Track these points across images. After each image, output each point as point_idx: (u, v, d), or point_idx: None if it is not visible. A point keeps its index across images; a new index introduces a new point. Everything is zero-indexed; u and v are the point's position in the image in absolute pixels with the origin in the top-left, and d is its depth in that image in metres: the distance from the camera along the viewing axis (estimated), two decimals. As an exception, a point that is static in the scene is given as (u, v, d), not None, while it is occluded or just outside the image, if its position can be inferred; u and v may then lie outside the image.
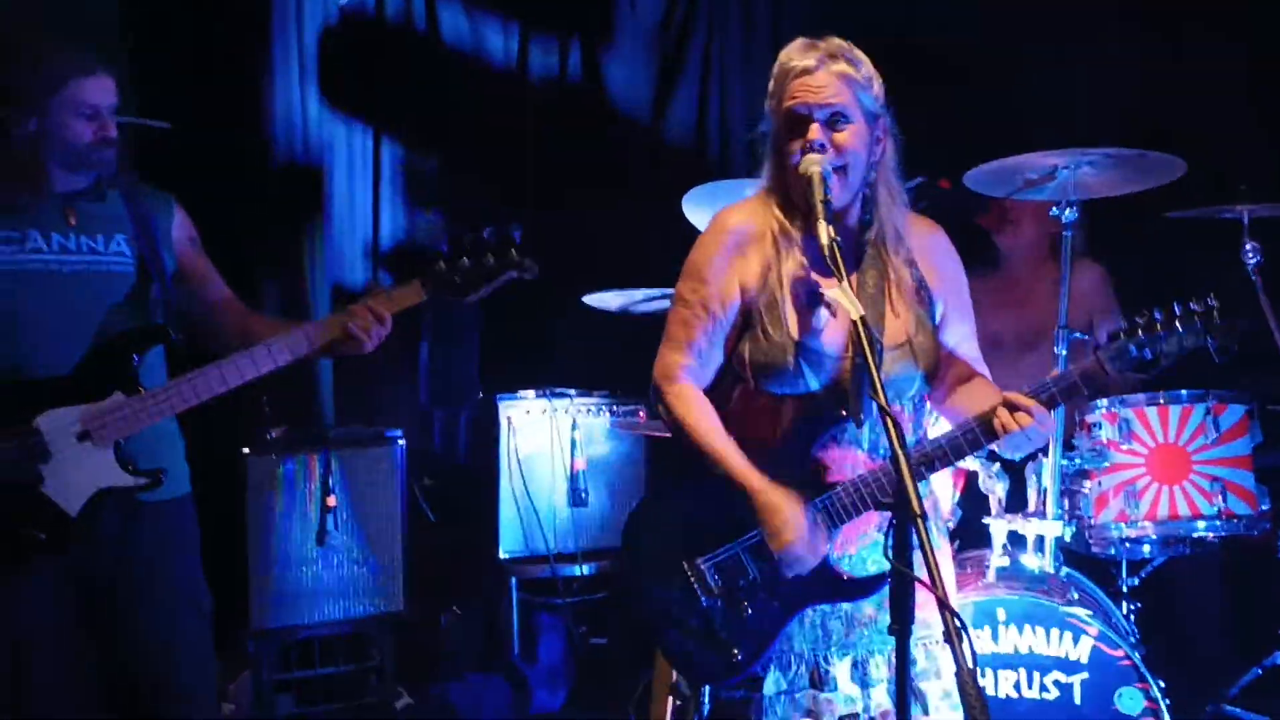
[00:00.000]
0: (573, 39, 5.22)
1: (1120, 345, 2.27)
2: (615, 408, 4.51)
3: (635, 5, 5.26)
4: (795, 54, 2.35)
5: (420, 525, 4.44)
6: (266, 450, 3.99)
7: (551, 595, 4.48)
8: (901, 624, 1.91)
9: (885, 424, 1.94)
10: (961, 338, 2.47)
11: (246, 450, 3.96)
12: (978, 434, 2.30)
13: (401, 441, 4.18)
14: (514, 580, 4.44)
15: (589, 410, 4.48)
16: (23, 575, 2.61)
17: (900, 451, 1.92)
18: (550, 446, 4.43)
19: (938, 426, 2.96)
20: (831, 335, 2.35)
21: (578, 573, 4.44)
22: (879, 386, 1.99)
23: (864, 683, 2.40)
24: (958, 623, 1.78)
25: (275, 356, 2.67)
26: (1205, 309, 2.21)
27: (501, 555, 4.41)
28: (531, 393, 4.48)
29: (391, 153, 5.11)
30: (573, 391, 4.51)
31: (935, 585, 1.81)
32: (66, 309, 2.67)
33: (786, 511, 2.28)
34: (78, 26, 4.03)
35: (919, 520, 1.86)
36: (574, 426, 4.44)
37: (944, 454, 2.32)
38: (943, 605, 1.79)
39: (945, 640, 1.78)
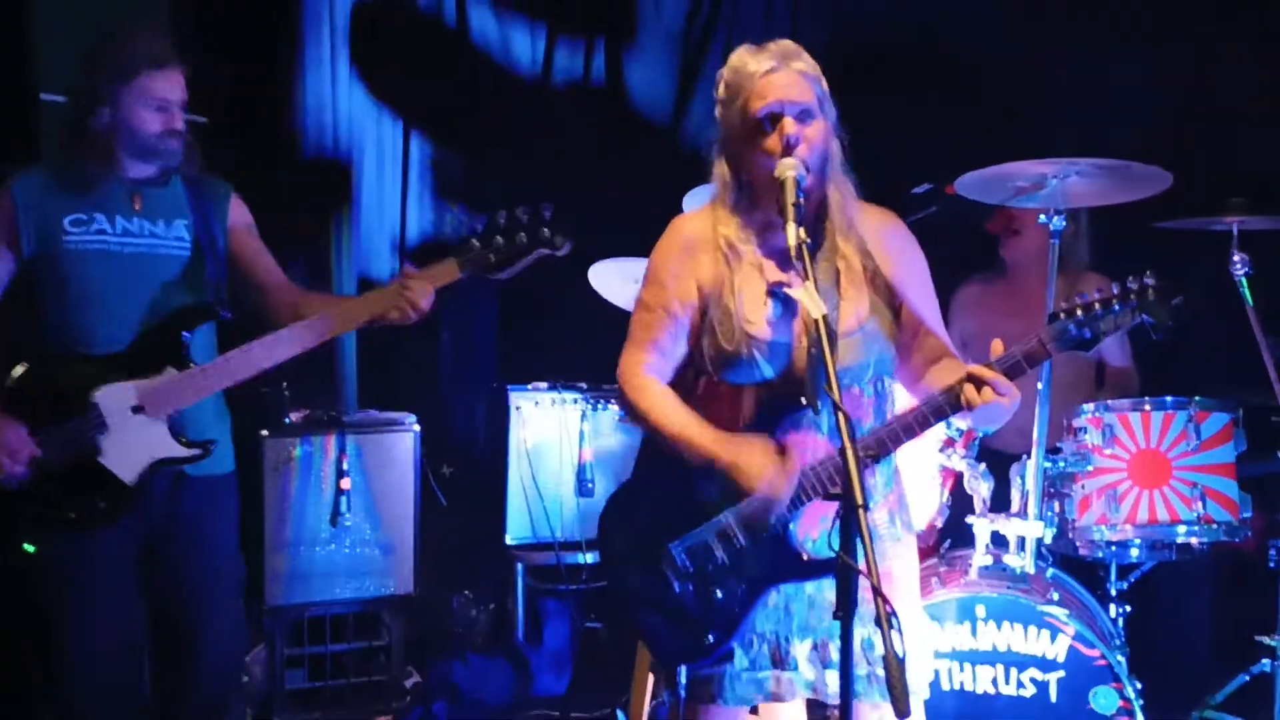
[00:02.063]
0: (597, 41, 5.33)
1: (1060, 325, 2.32)
2: (624, 401, 4.59)
3: (660, 7, 5.36)
4: (749, 58, 2.43)
5: (432, 509, 4.57)
6: (284, 432, 4.13)
7: (557, 582, 4.58)
8: (845, 611, 2.01)
9: (838, 420, 2.04)
10: (925, 320, 2.52)
11: (265, 432, 4.11)
12: (944, 406, 2.34)
13: (416, 427, 4.30)
14: (520, 566, 4.55)
15: (598, 402, 4.57)
16: (84, 540, 2.78)
17: (849, 445, 2.01)
18: (559, 437, 4.54)
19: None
20: (784, 327, 2.44)
21: (582, 561, 4.54)
22: (835, 385, 2.07)
23: (824, 664, 2.48)
24: (888, 610, 1.86)
25: (320, 331, 2.79)
26: (1141, 286, 2.26)
27: (509, 541, 4.52)
28: (543, 384, 4.59)
29: (420, 148, 5.24)
30: (583, 384, 4.62)
31: (871, 573, 1.90)
32: (125, 288, 2.82)
33: (751, 456, 2.35)
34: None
35: (860, 511, 1.95)
36: (583, 418, 4.54)
37: (910, 427, 2.37)
38: (875, 592, 1.88)
39: (876, 625, 1.86)
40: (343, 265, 5.06)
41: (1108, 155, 3.21)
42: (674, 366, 2.55)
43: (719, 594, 2.46)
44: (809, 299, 2.21)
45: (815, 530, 2.49)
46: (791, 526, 2.45)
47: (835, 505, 2.42)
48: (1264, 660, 3.64)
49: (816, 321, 2.16)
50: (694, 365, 2.55)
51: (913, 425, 2.36)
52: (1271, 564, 3.64)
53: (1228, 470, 3.37)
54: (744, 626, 2.47)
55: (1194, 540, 3.40)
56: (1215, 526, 3.35)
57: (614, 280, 4.04)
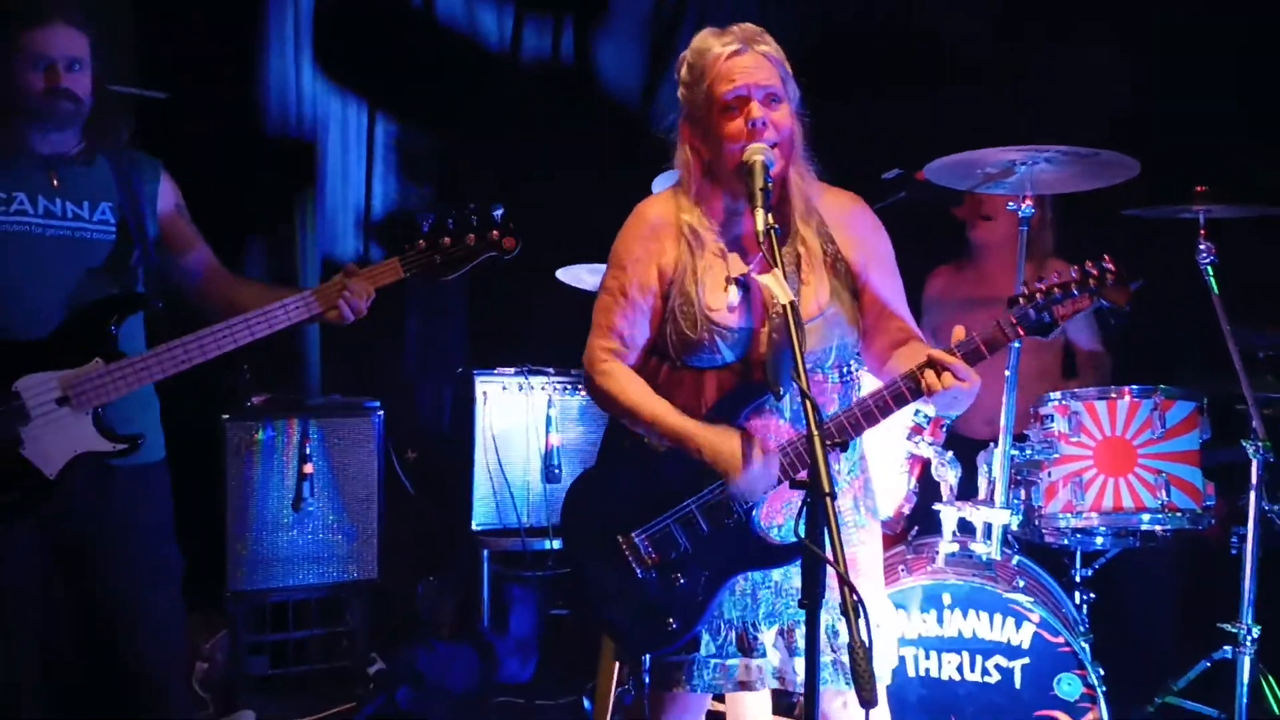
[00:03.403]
0: (565, 20, 5.28)
1: (1019, 310, 2.32)
2: (590, 386, 4.57)
3: (629, -14, 5.32)
4: (713, 40, 2.41)
5: (397, 495, 4.53)
6: (246, 416, 4.07)
7: (523, 569, 4.56)
8: (811, 599, 1.99)
9: (805, 406, 2.02)
10: (888, 303, 2.51)
11: (226, 416, 4.05)
12: (904, 391, 2.32)
13: (380, 412, 4.27)
14: (486, 552, 4.52)
15: (565, 388, 4.54)
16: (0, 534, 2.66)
17: (816, 433, 1.99)
18: (525, 423, 4.50)
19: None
20: (746, 314, 2.43)
21: (548, 547, 4.51)
22: (802, 372, 2.06)
23: (790, 651, 2.48)
24: (855, 598, 1.85)
25: (253, 329, 2.70)
26: (1099, 271, 2.26)
27: (474, 527, 4.48)
28: (510, 369, 4.55)
29: (385, 128, 5.18)
30: (550, 369, 4.58)
31: (837, 560, 1.88)
32: (47, 273, 2.68)
33: (730, 444, 2.34)
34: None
35: (826, 499, 1.93)
36: (549, 404, 4.51)
37: (870, 412, 2.35)
38: (842, 581, 1.86)
39: (843, 613, 1.85)
40: (307, 246, 4.99)
41: (1076, 143, 3.20)
42: (638, 351, 2.53)
43: (682, 581, 2.45)
44: (776, 285, 2.19)
45: (780, 516, 2.48)
46: (755, 513, 2.43)
47: (798, 493, 2.43)
48: (1225, 647, 3.66)
49: (784, 307, 2.14)
50: (657, 351, 2.53)
51: (873, 410, 2.35)
52: (1234, 551, 3.64)
53: (1192, 458, 3.38)
54: (709, 613, 2.46)
55: (1158, 528, 3.41)
56: (1179, 514, 3.37)
57: (582, 270, 4.01)
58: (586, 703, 3.97)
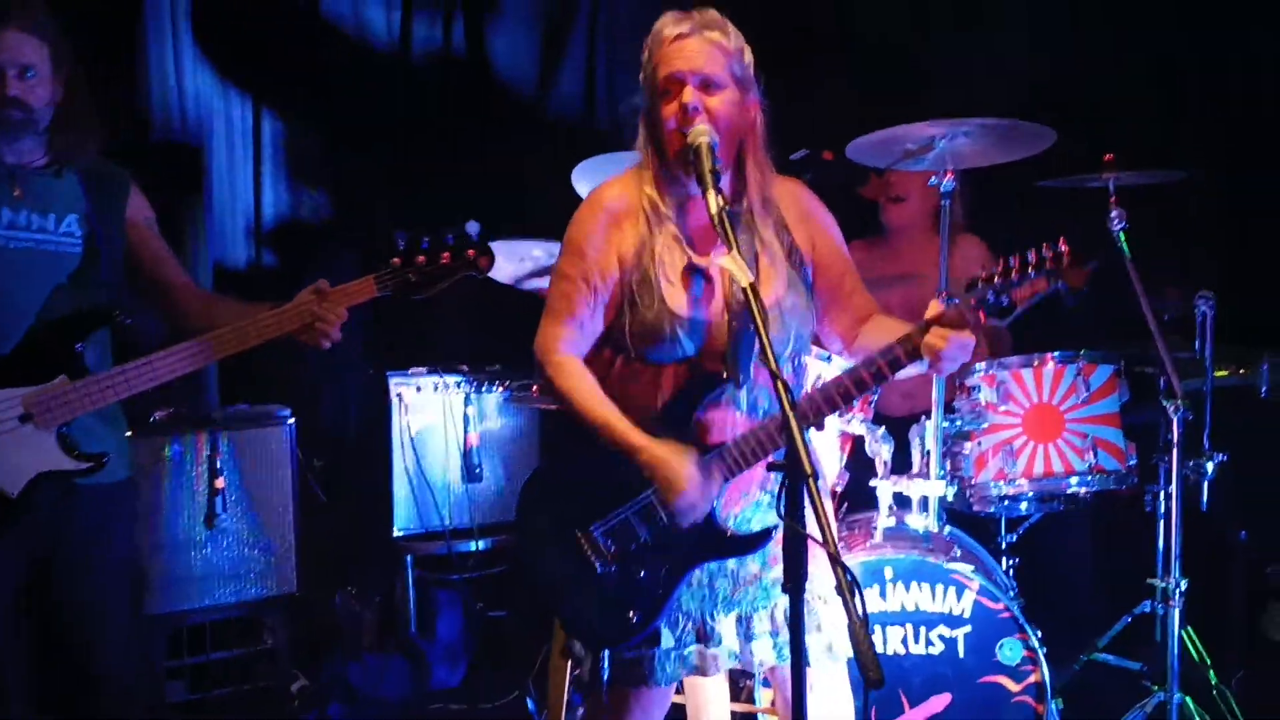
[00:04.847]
0: (456, 10, 5.16)
1: (978, 292, 2.33)
2: (509, 382, 4.50)
3: (520, -26, 5.24)
4: (669, 23, 2.39)
5: (312, 505, 4.39)
6: (151, 432, 3.90)
7: (448, 571, 4.47)
8: (795, 581, 1.97)
9: (776, 387, 2.00)
10: (844, 281, 2.52)
11: (130, 433, 3.85)
12: (899, 356, 2.30)
13: (291, 420, 4.14)
14: (409, 558, 4.41)
15: (481, 385, 4.46)
16: None
17: (791, 413, 1.97)
18: (443, 422, 4.41)
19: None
20: (706, 303, 2.40)
21: (474, 548, 4.43)
22: (770, 353, 2.03)
23: (747, 636, 2.47)
24: (849, 577, 1.83)
25: (223, 347, 2.63)
26: (1055, 254, 2.28)
27: (396, 533, 4.38)
28: (423, 369, 4.46)
29: (272, 128, 5.00)
30: (465, 367, 4.49)
31: (827, 541, 1.87)
32: (10, 286, 2.60)
33: (673, 463, 2.32)
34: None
35: (810, 480, 1.92)
36: (467, 402, 4.43)
37: (862, 381, 2.32)
38: (834, 560, 1.84)
39: (838, 593, 1.83)
40: (198, 252, 4.79)
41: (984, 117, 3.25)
42: (591, 342, 2.48)
43: (642, 574, 2.42)
44: (735, 267, 2.16)
45: (738, 505, 2.47)
46: (716, 504, 2.41)
47: (756, 478, 2.43)
48: (1145, 602, 3.78)
49: (745, 290, 2.12)
50: (611, 342, 2.48)
51: (865, 379, 2.33)
52: (1148, 508, 3.77)
53: (1114, 420, 3.48)
54: (669, 606, 2.43)
55: (1083, 490, 3.50)
56: (1106, 475, 3.46)
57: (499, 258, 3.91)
58: (530, 703, 3.90)
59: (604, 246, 2.43)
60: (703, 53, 2.35)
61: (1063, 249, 2.28)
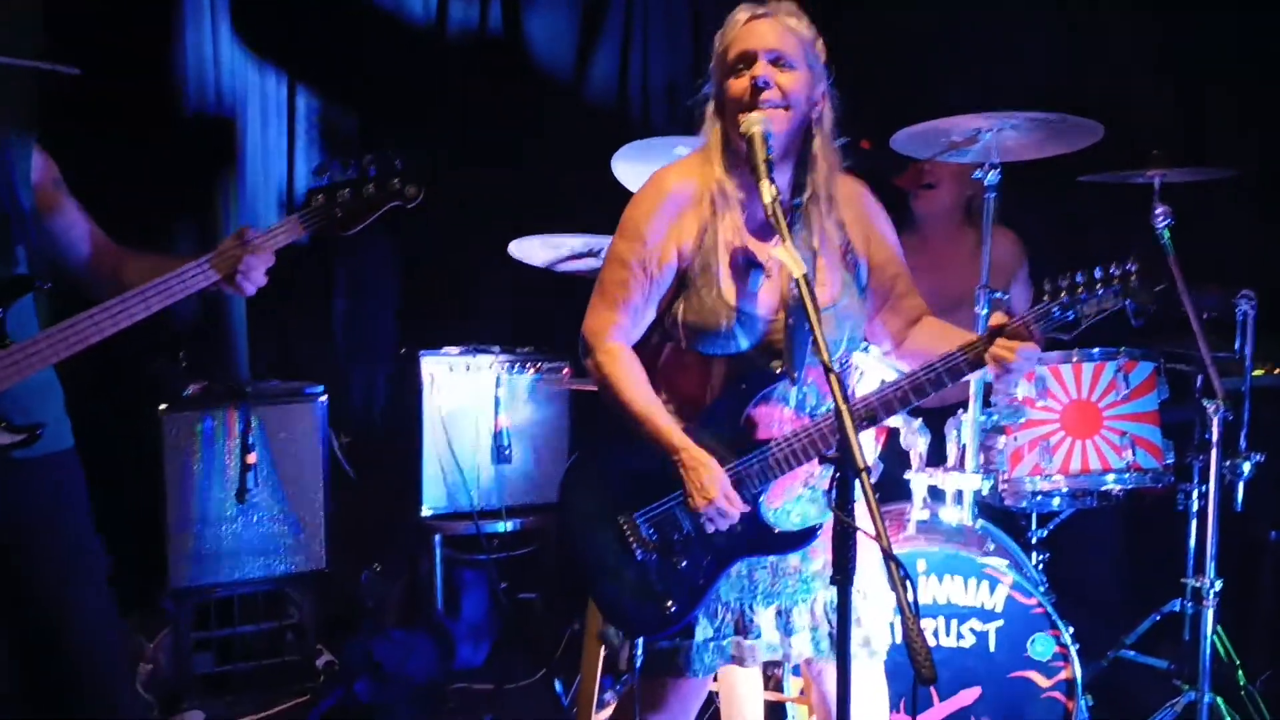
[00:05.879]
0: (493, -9, 5.14)
1: (1044, 308, 2.31)
2: (540, 364, 4.49)
3: (558, -42, 5.20)
4: (743, 9, 2.39)
5: (342, 482, 4.40)
6: (184, 407, 3.91)
7: (475, 552, 4.47)
8: (843, 574, 1.96)
9: (829, 380, 1.97)
10: (897, 284, 2.50)
11: (164, 406, 3.88)
12: (961, 365, 2.30)
13: (323, 398, 4.14)
14: (438, 537, 4.41)
15: (513, 367, 4.45)
16: None
17: (844, 406, 1.95)
18: (474, 403, 4.40)
19: (863, 385, 3.04)
20: (765, 298, 2.38)
21: (501, 529, 4.43)
22: (822, 344, 2.01)
23: (786, 630, 2.46)
24: (902, 573, 1.82)
25: (150, 303, 2.49)
26: (1124, 272, 2.27)
27: (424, 512, 4.37)
28: (455, 349, 4.44)
29: (308, 103, 4.98)
30: (497, 348, 4.48)
31: (880, 536, 1.86)
32: None
33: (706, 470, 2.31)
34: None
35: (864, 474, 1.90)
36: (498, 383, 4.41)
37: (921, 387, 2.31)
38: (888, 556, 1.83)
39: (892, 589, 1.82)
40: (230, 224, 4.79)
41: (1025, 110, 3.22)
42: (642, 331, 2.46)
43: (683, 564, 2.41)
44: (789, 258, 2.14)
45: (779, 500, 2.45)
46: (762, 499, 2.40)
47: (801, 475, 2.42)
48: (1174, 600, 3.78)
49: (799, 281, 2.10)
50: (660, 329, 2.46)
51: (923, 385, 2.32)
52: (1179, 507, 3.76)
53: (1153, 418, 3.46)
54: (708, 597, 2.43)
55: (1118, 488, 3.48)
56: (1143, 473, 3.44)
57: (535, 246, 3.91)
58: (558, 684, 3.92)
59: (664, 233, 2.39)
60: (776, 32, 2.34)
61: (1132, 267, 2.25)
